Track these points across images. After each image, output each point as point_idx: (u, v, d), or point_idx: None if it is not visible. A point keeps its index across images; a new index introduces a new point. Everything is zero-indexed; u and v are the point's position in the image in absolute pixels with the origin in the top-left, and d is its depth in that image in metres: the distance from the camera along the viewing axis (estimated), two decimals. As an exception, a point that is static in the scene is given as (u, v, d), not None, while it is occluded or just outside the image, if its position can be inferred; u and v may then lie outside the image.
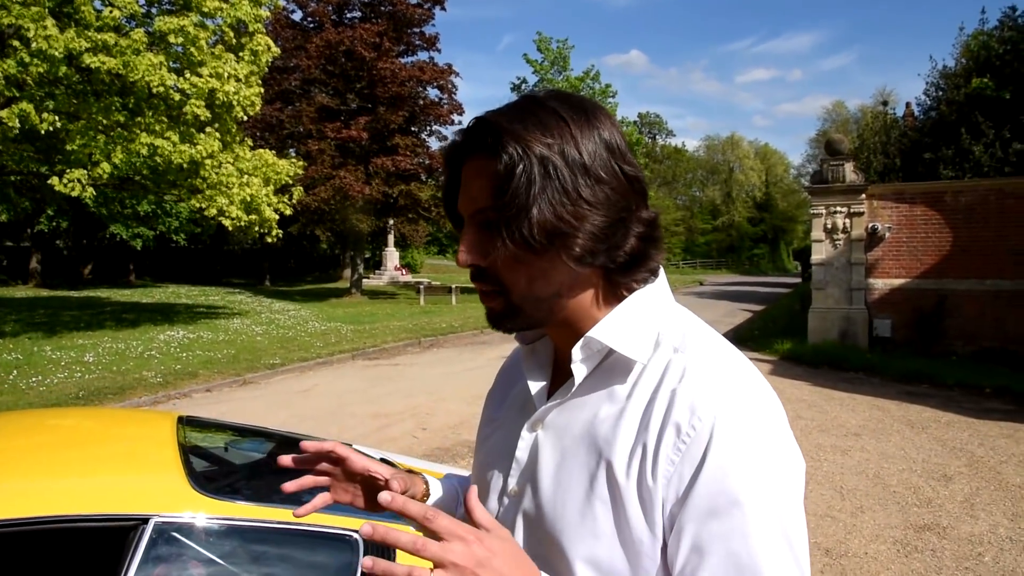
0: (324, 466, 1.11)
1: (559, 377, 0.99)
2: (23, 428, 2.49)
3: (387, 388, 10.58)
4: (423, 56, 29.09)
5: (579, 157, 0.86)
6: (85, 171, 12.46)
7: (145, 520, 1.78)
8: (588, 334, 0.91)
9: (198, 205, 13.96)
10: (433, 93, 29.05)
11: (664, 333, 0.92)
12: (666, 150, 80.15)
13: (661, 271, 0.97)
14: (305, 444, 1.09)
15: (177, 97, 12.90)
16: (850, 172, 13.59)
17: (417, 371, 12.23)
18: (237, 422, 3.25)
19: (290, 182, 16.10)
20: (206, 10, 13.35)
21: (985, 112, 18.17)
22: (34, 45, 11.22)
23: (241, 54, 14.35)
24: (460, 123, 30.05)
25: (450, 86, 28.72)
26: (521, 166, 0.84)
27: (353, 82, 26.94)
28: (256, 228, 15.13)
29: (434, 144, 29.87)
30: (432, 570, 0.72)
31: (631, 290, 0.93)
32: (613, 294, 0.93)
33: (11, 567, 2.26)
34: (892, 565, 4.43)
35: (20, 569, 2.27)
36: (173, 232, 33.06)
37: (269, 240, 15.81)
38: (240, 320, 19.01)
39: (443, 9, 28.18)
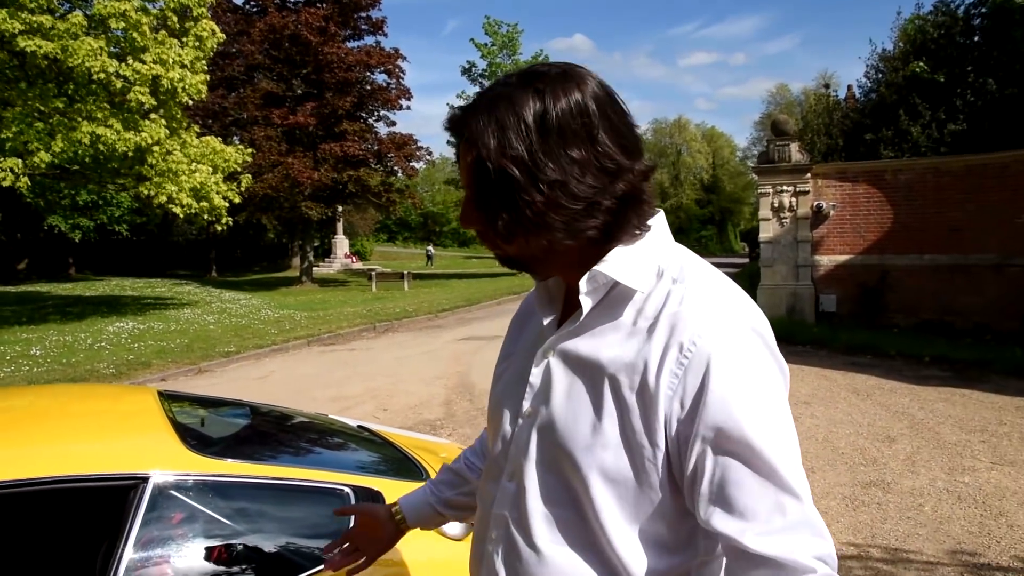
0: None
1: (569, 310, 1.08)
2: (7, 401, 2.49)
3: (345, 372, 10.56)
4: (370, 41, 28.82)
5: (539, 147, 0.92)
6: (20, 160, 12.05)
7: (145, 478, 1.83)
8: (594, 268, 1.00)
9: (146, 193, 13.63)
10: (381, 78, 28.79)
11: (664, 266, 1.01)
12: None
13: (660, 215, 1.05)
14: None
15: (119, 84, 12.57)
16: (796, 152, 13.97)
17: (373, 355, 12.22)
18: (212, 395, 3.28)
19: (238, 169, 15.84)
20: (147, -7, 13.04)
21: (922, 94, 18.80)
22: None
23: (185, 39, 14.05)
24: (408, 108, 29.93)
25: (398, 71, 28.47)
26: (488, 162, 0.93)
27: (299, 67, 26.51)
28: (205, 216, 14.87)
29: (382, 129, 29.65)
30: None
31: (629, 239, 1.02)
32: (609, 247, 1.01)
33: (16, 527, 2.28)
34: (842, 518, 4.67)
35: (26, 529, 2.29)
36: (115, 223, 32.12)
37: (219, 228, 15.57)
38: (191, 310, 18.67)
39: (390, -7, 27.89)
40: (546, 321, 1.09)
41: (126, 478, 1.83)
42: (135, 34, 12.61)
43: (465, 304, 20.37)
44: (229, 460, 2.05)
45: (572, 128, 0.93)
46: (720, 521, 0.92)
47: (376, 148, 28.17)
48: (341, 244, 41.70)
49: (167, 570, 1.79)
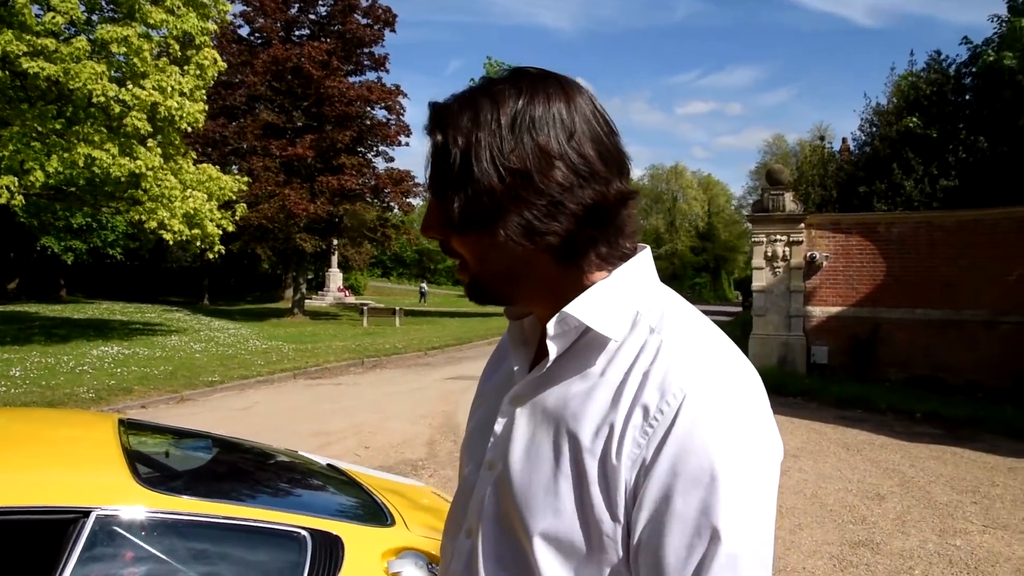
0: None
1: (542, 354, 0.96)
2: None
3: (329, 407, 10.40)
4: (371, 76, 29.08)
5: (512, 142, 0.84)
6: (16, 178, 12.00)
7: (86, 513, 1.71)
8: (564, 310, 0.88)
9: (137, 217, 13.56)
10: (381, 113, 28.99)
11: (643, 312, 0.89)
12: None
13: (645, 252, 0.94)
14: None
15: (117, 109, 12.58)
16: (790, 202, 14.02)
17: (360, 391, 12.07)
18: (177, 426, 3.15)
19: (234, 198, 15.81)
20: (152, 22, 13.11)
21: (915, 149, 19.02)
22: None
23: (187, 67, 14.11)
24: (407, 144, 30.11)
25: (398, 107, 28.68)
26: (448, 150, 0.85)
27: (300, 100, 26.71)
28: (198, 243, 14.79)
29: (381, 165, 29.78)
30: None
31: (600, 271, 0.91)
32: (578, 276, 0.90)
33: None
34: (830, 579, 4.53)
35: None
36: (108, 246, 31.99)
37: (211, 256, 15.48)
38: (178, 337, 18.48)
39: (393, 31, 28.27)
40: (516, 365, 0.99)
41: (66, 511, 1.72)
42: (136, 60, 12.67)
43: (456, 343, 20.25)
44: (182, 496, 1.93)
45: (547, 121, 0.84)
46: None
47: (373, 183, 28.25)
48: (335, 277, 41.60)
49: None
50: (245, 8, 26.27)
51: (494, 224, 0.85)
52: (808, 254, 13.81)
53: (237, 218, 16.20)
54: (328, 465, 2.96)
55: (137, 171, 12.69)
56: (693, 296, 70.20)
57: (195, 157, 15.90)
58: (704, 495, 0.77)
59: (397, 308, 28.26)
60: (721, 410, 0.80)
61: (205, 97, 14.54)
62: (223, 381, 11.67)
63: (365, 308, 27.71)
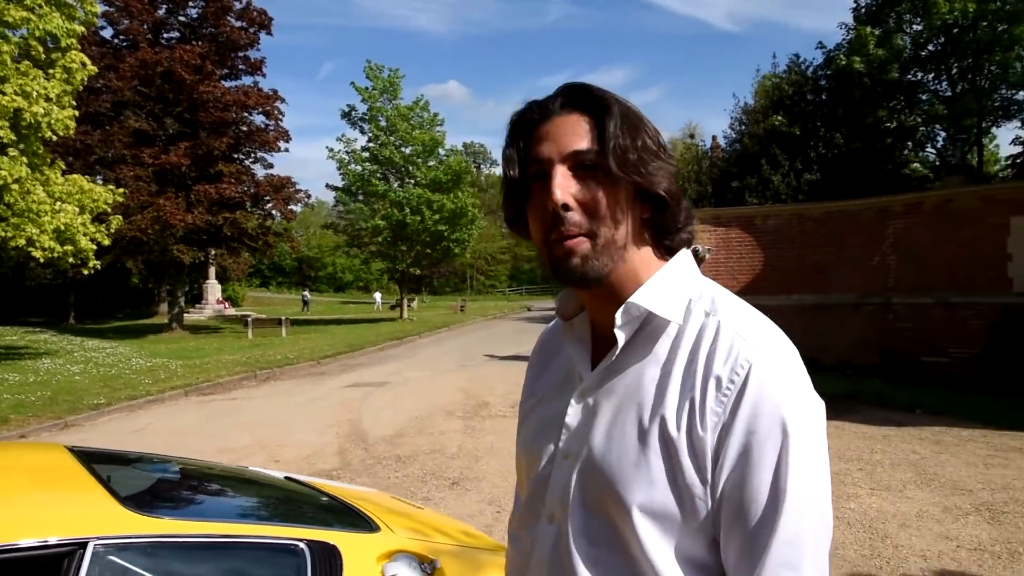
0: None
1: (597, 349, 1.09)
2: None
3: (228, 422, 10.07)
4: (247, 81, 28.10)
5: (651, 128, 1.03)
6: None
7: (83, 544, 1.67)
8: (629, 300, 1.00)
9: (2, 235, 12.58)
10: (259, 119, 28.09)
11: (695, 299, 1.03)
12: (491, 179, 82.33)
13: (686, 251, 1.09)
14: None
15: (-28, 116, 11.67)
16: (673, 199, 14.70)
17: (257, 404, 11.73)
18: (119, 450, 3.04)
19: (108, 210, 14.94)
20: (10, 20, 12.19)
21: (781, 145, 20.37)
22: None
23: (52, 71, 13.22)
24: (287, 150, 29.27)
25: (276, 112, 27.84)
26: (619, 119, 0.99)
27: (172, 105, 25.42)
28: (70, 259, 13.89)
29: (260, 172, 28.82)
30: None
31: (671, 253, 1.06)
32: (657, 255, 1.06)
33: None
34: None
35: None
36: (-43, 267, 29.37)
37: (85, 272, 14.56)
38: (51, 360, 17.25)
39: (269, 34, 27.45)
40: (579, 361, 1.10)
41: (61, 545, 1.67)
42: (-7, 63, 11.78)
43: (348, 350, 19.94)
44: (172, 519, 1.91)
45: (643, 122, 1.03)
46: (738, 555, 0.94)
47: (253, 191, 27.33)
48: (213, 289, 39.97)
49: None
50: (108, 9, 24.74)
51: (654, 178, 1.01)
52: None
53: (112, 231, 15.32)
54: (287, 478, 2.95)
55: (0, 183, 11.79)
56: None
57: (63, 168, 14.87)
58: (778, 444, 0.91)
59: (283, 318, 27.50)
60: (783, 375, 0.94)
61: (74, 103, 13.66)
62: (109, 403, 11.05)
63: (249, 319, 26.81)
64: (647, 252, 1.05)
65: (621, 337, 1.01)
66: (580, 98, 1.02)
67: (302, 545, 1.95)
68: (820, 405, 0.98)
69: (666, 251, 1.06)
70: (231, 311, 39.58)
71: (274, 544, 1.95)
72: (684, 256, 1.07)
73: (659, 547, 0.97)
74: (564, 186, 0.99)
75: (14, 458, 2.39)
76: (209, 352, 19.35)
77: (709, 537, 0.98)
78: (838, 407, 10.22)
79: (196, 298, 39.62)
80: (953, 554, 4.71)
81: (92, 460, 2.33)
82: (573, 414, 1.07)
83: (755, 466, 0.92)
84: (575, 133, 1.00)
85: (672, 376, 0.99)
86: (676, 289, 1.03)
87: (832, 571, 4.41)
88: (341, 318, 38.06)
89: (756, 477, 0.92)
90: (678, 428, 0.96)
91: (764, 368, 0.94)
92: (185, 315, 29.24)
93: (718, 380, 0.95)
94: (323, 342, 22.34)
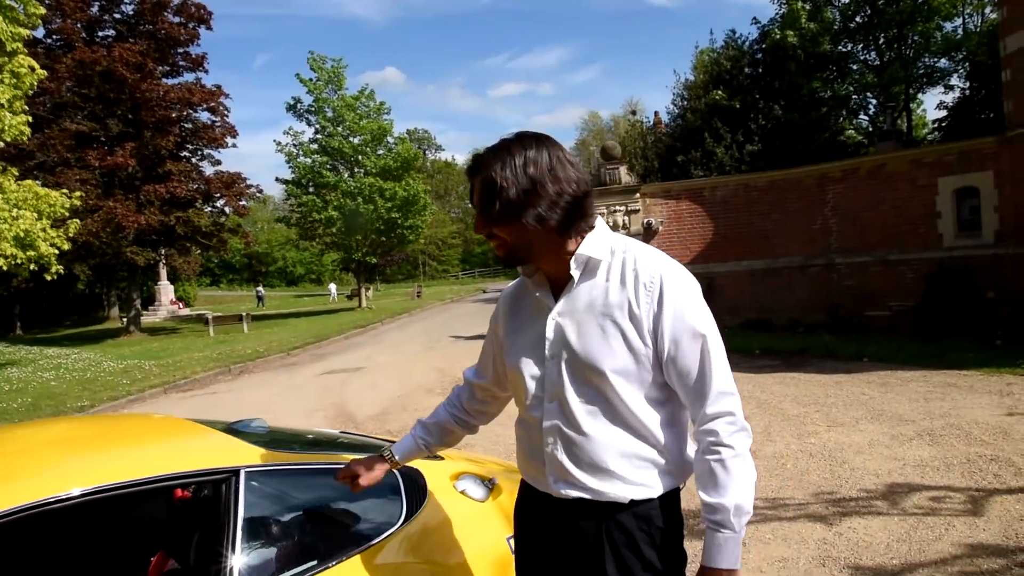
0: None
1: (555, 287, 1.70)
2: (62, 428, 2.59)
3: (215, 415, 10.17)
4: (190, 77, 27.78)
5: (524, 173, 1.56)
6: None
7: (236, 472, 2.12)
8: (577, 251, 1.63)
9: (-36, 244, 12.52)
10: (204, 116, 27.81)
11: (614, 245, 1.68)
12: (436, 164, 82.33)
13: (600, 220, 1.69)
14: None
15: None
16: (625, 174, 15.33)
17: (237, 396, 12.00)
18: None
19: (66, 214, 14.89)
20: (-46, 28, 12.09)
21: (723, 119, 21.12)
22: None
23: (0, 76, 13.13)
24: (235, 146, 29.09)
25: (222, 108, 27.62)
26: (496, 182, 1.56)
27: (113, 105, 24.98)
28: (32, 266, 13.86)
29: (208, 169, 28.58)
30: None
31: (584, 233, 1.64)
32: (573, 235, 1.63)
33: (135, 524, 2.42)
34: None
35: (141, 525, 2.45)
36: None
37: (48, 277, 14.51)
38: (18, 368, 17.14)
39: (209, 28, 27.13)
40: (543, 297, 1.70)
41: (220, 472, 2.11)
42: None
43: (315, 340, 20.19)
44: (295, 453, 2.38)
45: (539, 159, 1.57)
46: (688, 382, 1.60)
47: (204, 188, 27.13)
48: (166, 290, 39.48)
49: (271, 552, 2.09)
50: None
51: (520, 217, 1.58)
52: (645, 221, 15.19)
53: (71, 235, 15.27)
54: (341, 432, 3.41)
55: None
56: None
57: (16, 174, 14.75)
58: (693, 328, 1.59)
59: (244, 313, 27.51)
60: (678, 276, 1.62)
61: (27, 108, 13.56)
62: (93, 405, 11.23)
63: (210, 317, 26.72)
64: (565, 238, 1.63)
65: (576, 274, 1.65)
66: (472, 169, 1.64)
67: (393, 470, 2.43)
68: (696, 284, 1.65)
69: (578, 233, 1.64)
70: (185, 311, 39.17)
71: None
72: (600, 224, 1.69)
73: (629, 392, 1.62)
74: (476, 224, 1.66)
75: (142, 421, 2.78)
76: (175, 352, 19.40)
77: (660, 382, 1.64)
78: (792, 362, 11.01)
79: (147, 300, 39.06)
80: (900, 471, 5.41)
81: (201, 422, 2.76)
82: (551, 329, 1.68)
83: (685, 342, 1.59)
84: (475, 192, 1.63)
85: (611, 289, 1.63)
86: (602, 242, 1.66)
87: (800, 492, 5.06)
88: (299, 311, 37.99)
89: (688, 356, 1.59)
90: (624, 315, 1.60)
91: (669, 275, 1.60)
92: (140, 317, 28.95)
93: (643, 283, 1.60)
94: (288, 335, 22.50)
